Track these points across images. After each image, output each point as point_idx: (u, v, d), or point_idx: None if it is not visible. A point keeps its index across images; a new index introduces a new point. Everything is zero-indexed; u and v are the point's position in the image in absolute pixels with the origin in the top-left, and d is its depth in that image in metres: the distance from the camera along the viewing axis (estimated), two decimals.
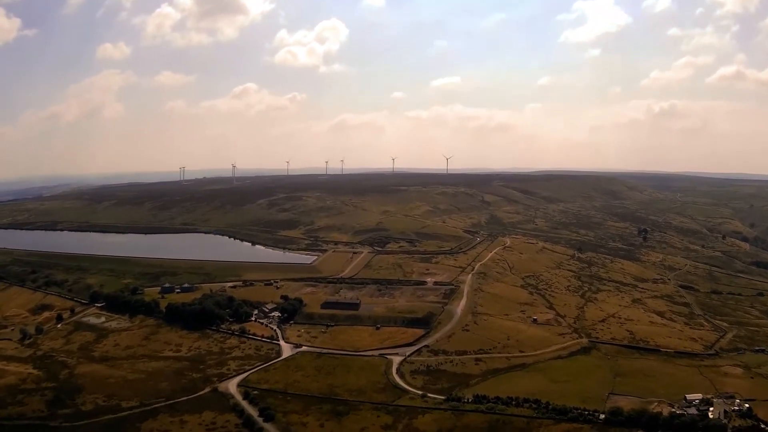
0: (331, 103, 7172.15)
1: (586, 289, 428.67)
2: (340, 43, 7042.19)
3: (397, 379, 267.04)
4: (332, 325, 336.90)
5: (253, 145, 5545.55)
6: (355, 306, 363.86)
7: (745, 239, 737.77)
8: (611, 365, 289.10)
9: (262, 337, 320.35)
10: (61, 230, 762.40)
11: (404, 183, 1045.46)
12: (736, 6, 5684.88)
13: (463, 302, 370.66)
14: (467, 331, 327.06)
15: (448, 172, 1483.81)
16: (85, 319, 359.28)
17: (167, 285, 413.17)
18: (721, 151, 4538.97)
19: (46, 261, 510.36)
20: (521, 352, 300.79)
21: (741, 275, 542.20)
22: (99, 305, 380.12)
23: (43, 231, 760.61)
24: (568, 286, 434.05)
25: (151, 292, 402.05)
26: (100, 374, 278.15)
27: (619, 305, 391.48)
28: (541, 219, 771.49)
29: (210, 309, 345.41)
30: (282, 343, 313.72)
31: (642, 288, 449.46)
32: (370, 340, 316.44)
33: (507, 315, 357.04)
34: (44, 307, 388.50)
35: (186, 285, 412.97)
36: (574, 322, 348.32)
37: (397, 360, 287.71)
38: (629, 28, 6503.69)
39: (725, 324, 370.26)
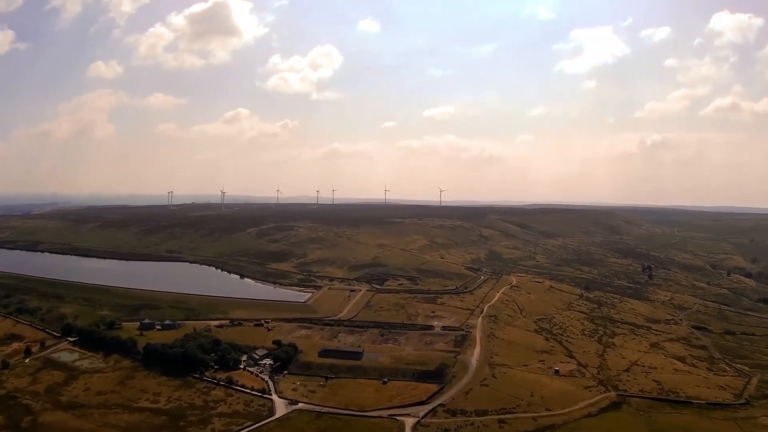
0: (323, 131, 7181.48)
1: (602, 332, 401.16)
2: (334, 70, 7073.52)
3: None
4: (332, 377, 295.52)
5: (243, 172, 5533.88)
6: (357, 355, 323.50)
7: (749, 275, 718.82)
8: (646, 422, 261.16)
9: (252, 389, 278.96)
10: (42, 252, 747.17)
11: (399, 215, 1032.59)
12: (735, 36, 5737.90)
13: (477, 351, 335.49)
14: (486, 386, 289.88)
15: (441, 204, 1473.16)
16: (55, 355, 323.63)
17: (147, 321, 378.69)
18: (715, 183, 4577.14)
19: (21, 285, 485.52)
20: (548, 410, 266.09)
21: (750, 313, 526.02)
22: (72, 339, 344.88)
23: (24, 251, 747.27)
24: (583, 329, 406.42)
25: (130, 328, 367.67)
26: (67, 426, 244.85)
27: (639, 351, 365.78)
28: (541, 255, 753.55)
29: (193, 354, 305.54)
30: (275, 397, 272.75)
31: (656, 330, 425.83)
32: (377, 396, 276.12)
33: (526, 365, 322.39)
34: (13, 338, 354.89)
35: (167, 322, 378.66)
36: (598, 373, 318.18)
37: (410, 423, 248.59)
38: (626, 58, 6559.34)
39: (746, 368, 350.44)
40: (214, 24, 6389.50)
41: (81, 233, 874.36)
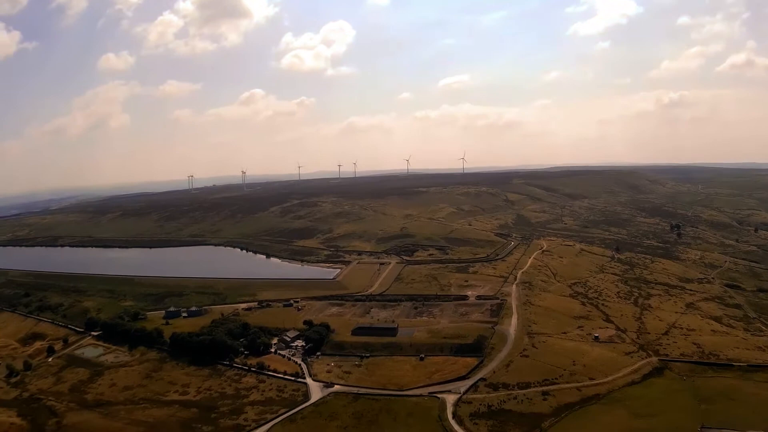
0: (340, 107, 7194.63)
1: (637, 294, 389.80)
2: (347, 45, 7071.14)
3: (456, 428, 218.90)
4: (367, 356, 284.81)
5: (262, 151, 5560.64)
6: (392, 331, 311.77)
7: None
8: (690, 388, 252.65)
9: (285, 373, 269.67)
10: (62, 246, 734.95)
11: (423, 184, 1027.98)
12: None
13: (514, 320, 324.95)
14: (526, 356, 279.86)
15: (464, 171, 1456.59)
16: (78, 352, 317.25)
17: (172, 309, 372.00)
18: (732, 139, 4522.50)
19: (41, 282, 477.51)
20: (591, 379, 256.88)
21: None
22: (95, 334, 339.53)
23: (44, 247, 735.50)
24: (618, 292, 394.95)
25: (154, 318, 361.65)
26: (93, 426, 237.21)
27: (675, 312, 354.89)
28: (568, 217, 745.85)
29: (221, 340, 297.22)
30: (309, 381, 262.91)
31: (690, 290, 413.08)
32: (415, 374, 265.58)
33: (565, 333, 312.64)
34: (35, 336, 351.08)
35: (193, 308, 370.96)
36: (638, 337, 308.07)
37: (451, 400, 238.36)
38: (639, 18, 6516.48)
39: None
40: (223, 7, 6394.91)
41: (101, 224, 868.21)
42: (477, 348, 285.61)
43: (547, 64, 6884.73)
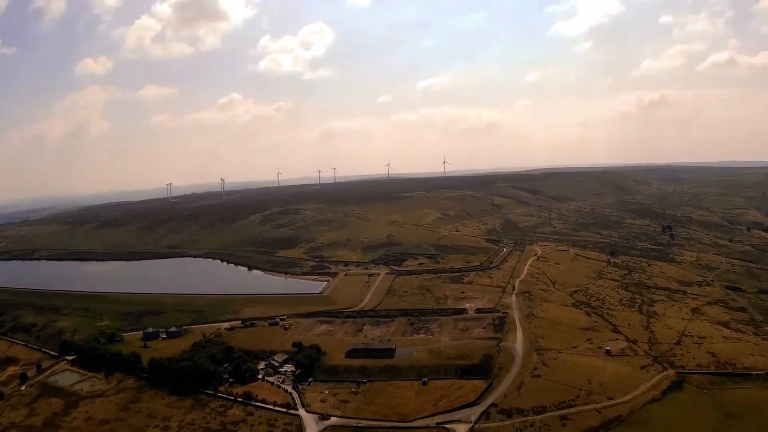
0: (318, 110, 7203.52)
1: (640, 301, 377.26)
2: (326, 47, 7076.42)
3: None
4: (364, 382, 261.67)
5: (240, 157, 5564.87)
6: (389, 352, 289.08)
7: (767, 230, 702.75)
8: (713, 402, 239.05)
9: (275, 404, 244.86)
10: (38, 259, 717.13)
11: (406, 189, 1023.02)
12: None
13: (519, 335, 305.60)
14: (537, 376, 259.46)
15: (446, 174, 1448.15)
16: (53, 379, 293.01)
17: (150, 330, 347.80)
18: (715, 138, 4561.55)
19: (15, 300, 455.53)
20: (610, 399, 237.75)
21: None
22: (70, 358, 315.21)
23: (20, 261, 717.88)
24: (621, 299, 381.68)
25: (132, 339, 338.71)
26: None
27: (682, 318, 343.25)
28: (557, 220, 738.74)
29: (204, 367, 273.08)
30: (302, 412, 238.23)
31: (692, 294, 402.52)
32: (419, 401, 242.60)
33: (575, 347, 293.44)
34: (8, 361, 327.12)
35: (173, 329, 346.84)
36: (650, 348, 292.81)
37: (462, 431, 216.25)
38: (621, 17, 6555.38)
39: None
40: (200, 9, 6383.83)
41: (78, 236, 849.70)
42: (484, 369, 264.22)
43: (528, 65, 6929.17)
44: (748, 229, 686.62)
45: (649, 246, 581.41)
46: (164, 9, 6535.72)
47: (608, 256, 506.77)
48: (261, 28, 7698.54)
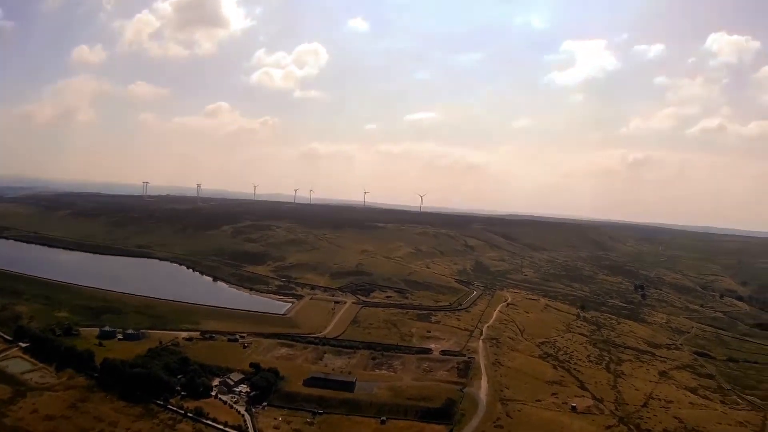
0: (303, 130, 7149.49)
1: (608, 359, 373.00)
2: (319, 68, 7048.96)
3: None
4: (320, 413, 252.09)
5: (220, 166, 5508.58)
6: (350, 386, 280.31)
7: (740, 298, 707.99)
8: None
9: (226, 424, 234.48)
10: (7, 238, 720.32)
11: (380, 219, 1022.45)
12: (730, 57, 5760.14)
13: (484, 383, 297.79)
14: (500, 427, 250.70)
15: (421, 209, 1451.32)
16: (3, 364, 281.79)
17: (107, 328, 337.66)
18: (697, 203, 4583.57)
19: None
20: None
21: (747, 339, 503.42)
22: (23, 345, 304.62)
23: None
24: (588, 355, 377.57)
25: (88, 335, 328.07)
26: None
27: (650, 381, 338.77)
28: (528, 268, 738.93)
29: (157, 376, 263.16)
30: None
31: (660, 356, 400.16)
32: None
33: (539, 401, 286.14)
34: None
35: (130, 331, 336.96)
36: (616, 408, 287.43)
37: None
38: (617, 73, 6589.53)
39: (758, 400, 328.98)
40: (201, 13, 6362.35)
41: (50, 221, 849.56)
42: (446, 414, 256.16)
43: (518, 110, 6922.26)
44: (721, 296, 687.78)
45: (620, 303, 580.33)
46: (165, 7, 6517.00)
47: (578, 310, 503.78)
48: (257, 41, 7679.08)
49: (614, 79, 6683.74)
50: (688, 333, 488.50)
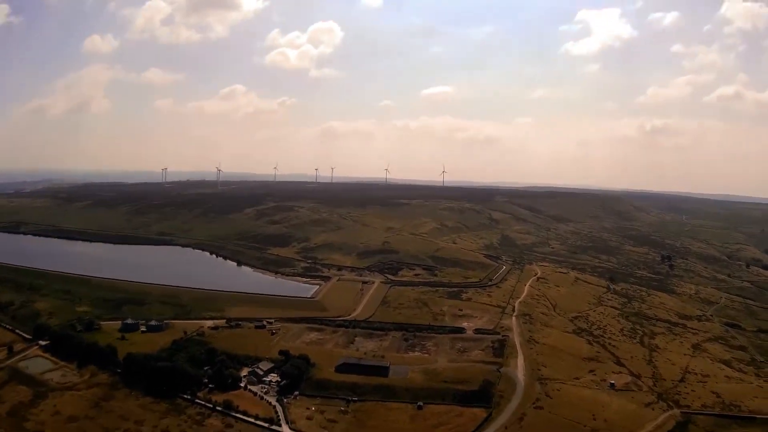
0: (321, 109, 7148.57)
1: (641, 332, 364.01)
2: (334, 46, 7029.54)
3: None
4: (354, 400, 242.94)
5: (239, 148, 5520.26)
6: (384, 371, 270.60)
7: (766, 267, 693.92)
8: None
9: (257, 417, 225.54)
10: (24, 233, 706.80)
11: (404, 195, 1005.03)
12: (745, 23, 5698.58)
13: (520, 361, 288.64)
14: (540, 408, 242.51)
15: (444, 184, 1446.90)
16: (23, 365, 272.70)
17: (129, 321, 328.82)
18: (714, 171, 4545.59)
19: None
20: None
21: None
22: (44, 343, 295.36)
23: (7, 233, 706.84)
24: (622, 329, 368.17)
25: (110, 329, 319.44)
26: None
27: (684, 354, 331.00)
28: (555, 241, 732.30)
29: (183, 369, 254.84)
30: (286, 429, 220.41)
31: (692, 329, 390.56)
32: (414, 428, 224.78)
33: (578, 378, 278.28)
34: None
35: (153, 322, 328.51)
36: (654, 384, 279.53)
37: None
38: (633, 42, 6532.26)
39: None
40: None
41: (68, 213, 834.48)
42: (484, 396, 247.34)
43: (534, 81, 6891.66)
44: (747, 266, 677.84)
45: (649, 275, 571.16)
46: None
47: (608, 282, 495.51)
48: (271, 21, 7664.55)
49: (630, 47, 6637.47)
50: (717, 304, 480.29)
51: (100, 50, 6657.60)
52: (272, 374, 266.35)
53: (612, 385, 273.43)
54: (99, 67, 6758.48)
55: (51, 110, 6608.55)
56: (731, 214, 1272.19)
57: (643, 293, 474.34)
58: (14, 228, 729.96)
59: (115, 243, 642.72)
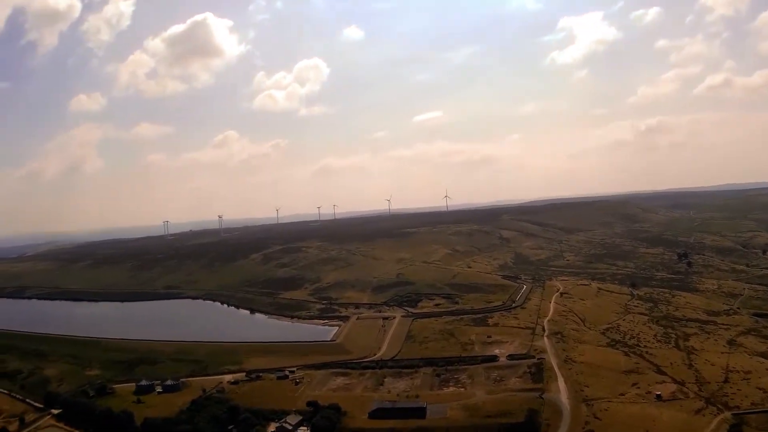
0: (314, 147, 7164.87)
1: (674, 336, 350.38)
2: (321, 83, 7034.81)
3: None
4: None
5: (238, 195, 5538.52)
6: (421, 412, 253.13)
7: None
8: None
9: None
10: (29, 298, 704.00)
11: (410, 224, 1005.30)
12: (726, 9, 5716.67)
13: (561, 384, 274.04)
14: None
15: (448, 209, 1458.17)
16: None
17: (144, 382, 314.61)
18: (713, 162, 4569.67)
19: (1, 343, 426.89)
20: None
21: None
22: (56, 412, 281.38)
23: (10, 299, 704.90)
24: (655, 335, 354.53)
25: (124, 392, 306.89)
26: None
27: (721, 352, 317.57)
28: (569, 252, 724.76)
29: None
30: None
31: (723, 324, 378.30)
32: None
33: (623, 395, 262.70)
34: None
35: (169, 382, 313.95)
36: (699, 389, 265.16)
37: None
38: (618, 43, 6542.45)
39: None
40: (193, 45, 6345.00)
41: (71, 274, 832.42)
42: (530, 427, 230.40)
43: (522, 96, 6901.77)
44: (764, 252, 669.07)
45: (668, 276, 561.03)
46: (157, 44, 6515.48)
47: (630, 289, 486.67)
48: (255, 64, 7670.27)
49: (615, 49, 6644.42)
50: (742, 295, 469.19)
51: (88, 109, 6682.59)
52: (302, 428, 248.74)
53: (658, 396, 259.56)
54: (88, 126, 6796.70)
55: (45, 173, 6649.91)
56: (738, 203, 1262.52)
57: (667, 295, 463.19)
58: (18, 293, 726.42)
59: (121, 301, 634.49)
